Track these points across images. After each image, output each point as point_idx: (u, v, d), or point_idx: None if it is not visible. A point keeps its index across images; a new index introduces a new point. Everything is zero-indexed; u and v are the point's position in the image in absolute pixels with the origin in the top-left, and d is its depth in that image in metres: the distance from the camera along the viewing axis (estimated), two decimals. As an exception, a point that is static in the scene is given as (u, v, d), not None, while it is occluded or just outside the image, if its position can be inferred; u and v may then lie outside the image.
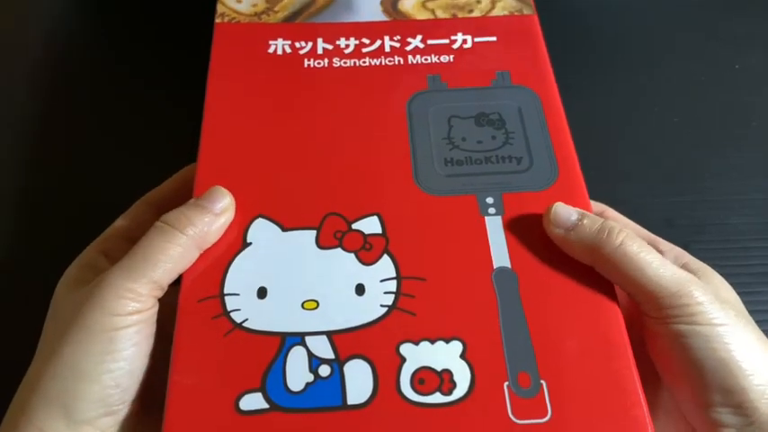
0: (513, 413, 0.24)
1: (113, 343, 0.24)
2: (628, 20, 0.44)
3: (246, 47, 0.34)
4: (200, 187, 0.29)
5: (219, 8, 0.36)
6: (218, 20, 0.36)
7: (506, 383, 0.24)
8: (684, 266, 0.28)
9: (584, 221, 0.27)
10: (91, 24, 0.50)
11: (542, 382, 0.24)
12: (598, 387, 0.24)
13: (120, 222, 0.31)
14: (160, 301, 0.26)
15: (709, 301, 0.25)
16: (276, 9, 0.36)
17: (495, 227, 0.28)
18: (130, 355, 0.24)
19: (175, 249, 0.26)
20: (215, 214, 0.27)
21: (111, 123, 0.44)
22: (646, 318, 0.26)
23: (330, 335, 0.25)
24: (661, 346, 0.26)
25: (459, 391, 0.24)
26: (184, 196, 0.29)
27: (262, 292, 0.26)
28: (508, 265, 0.27)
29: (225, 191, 0.28)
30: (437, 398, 0.24)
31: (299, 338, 0.25)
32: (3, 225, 0.40)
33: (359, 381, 0.24)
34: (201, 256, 0.27)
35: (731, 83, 0.40)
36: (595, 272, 0.27)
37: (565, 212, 0.27)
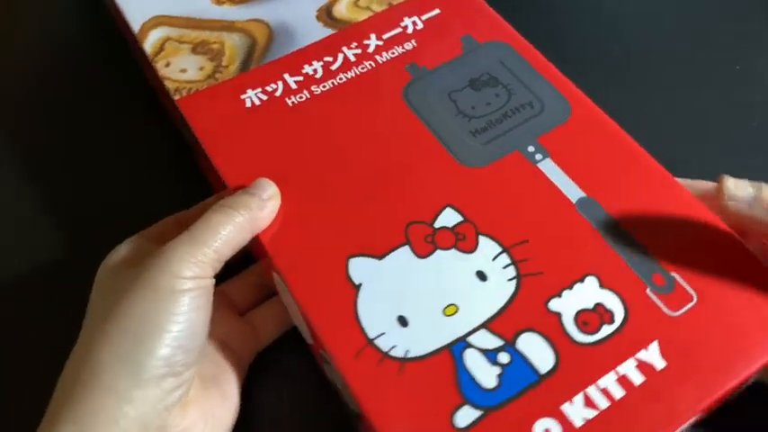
0: (668, 309, 0.26)
1: (178, 304, 0.25)
2: (628, 21, 0.44)
3: (222, 111, 0.33)
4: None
5: (170, 85, 0.34)
6: (176, 97, 0.34)
7: (647, 290, 0.27)
8: None
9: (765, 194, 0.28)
10: (89, 28, 0.48)
11: (673, 274, 0.27)
12: (718, 254, 0.27)
13: (152, 229, 0.32)
14: None
15: None
16: (225, 64, 0.35)
17: (550, 169, 0.30)
18: (193, 318, 0.26)
19: (234, 225, 0.28)
20: (263, 200, 0.29)
21: (111, 126, 0.42)
22: None
23: (486, 325, 0.26)
24: None
25: (619, 316, 0.26)
26: None
27: (402, 321, 0.27)
28: (583, 194, 0.29)
29: (270, 181, 0.30)
30: (606, 330, 0.26)
31: (464, 343, 0.26)
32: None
33: (538, 350, 0.26)
34: (325, 313, 0.27)
35: (731, 83, 0.41)
36: (649, 159, 0.30)
37: (741, 187, 0.28)
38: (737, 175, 0.28)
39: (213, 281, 0.28)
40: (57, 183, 0.40)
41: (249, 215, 0.28)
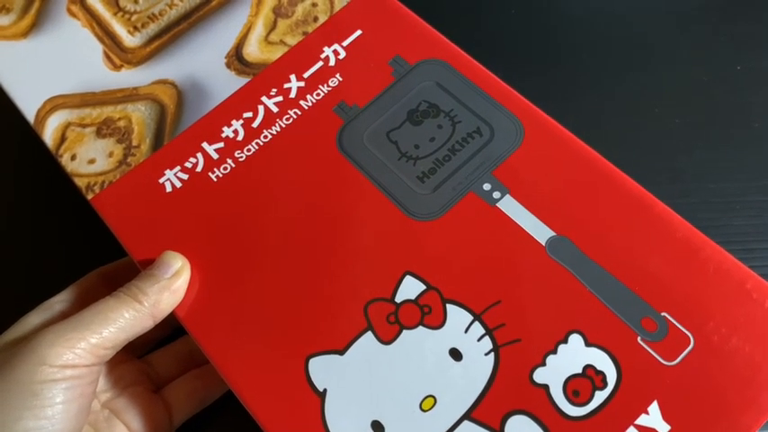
0: (664, 359, 0.24)
1: (37, 397, 0.23)
2: (629, 21, 0.43)
3: (141, 203, 0.30)
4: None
5: (80, 182, 0.31)
6: (89, 196, 0.30)
7: (638, 339, 0.24)
8: None
9: None
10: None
11: (663, 314, 0.24)
12: (707, 283, 0.25)
13: (64, 295, 0.29)
14: None
15: None
16: (135, 143, 0.31)
17: (512, 207, 0.27)
18: (56, 414, 0.23)
19: (129, 313, 0.25)
20: (167, 279, 0.27)
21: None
22: None
23: (469, 415, 0.24)
24: None
25: (611, 377, 0.24)
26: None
27: (378, 427, 0.24)
28: (553, 233, 0.26)
29: (175, 254, 0.27)
30: (600, 396, 0.24)
31: (448, 440, 0.24)
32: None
33: (529, 436, 0.23)
34: (288, 429, 0.24)
35: (732, 84, 0.40)
36: (620, 176, 0.27)
37: None
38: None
39: (97, 370, 0.25)
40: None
41: (148, 303, 0.26)
